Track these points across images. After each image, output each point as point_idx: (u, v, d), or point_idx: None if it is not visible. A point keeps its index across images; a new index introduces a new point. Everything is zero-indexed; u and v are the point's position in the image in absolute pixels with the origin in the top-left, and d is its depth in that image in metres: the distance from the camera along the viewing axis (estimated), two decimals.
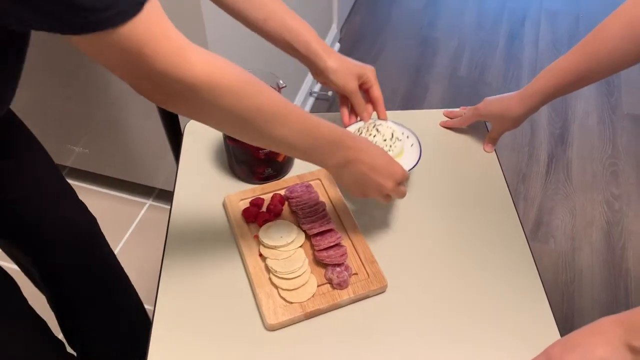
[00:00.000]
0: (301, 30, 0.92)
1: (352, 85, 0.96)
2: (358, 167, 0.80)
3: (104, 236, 1.13)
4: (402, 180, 0.85)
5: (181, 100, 0.63)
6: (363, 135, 0.98)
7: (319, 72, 0.95)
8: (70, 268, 1.07)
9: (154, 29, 0.56)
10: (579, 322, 1.64)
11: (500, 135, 1.06)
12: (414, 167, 0.95)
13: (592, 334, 0.66)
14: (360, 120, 1.03)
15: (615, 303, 1.69)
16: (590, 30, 0.89)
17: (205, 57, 0.62)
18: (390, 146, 0.96)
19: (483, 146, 1.07)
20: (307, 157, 0.78)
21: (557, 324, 0.83)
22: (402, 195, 0.87)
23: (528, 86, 0.97)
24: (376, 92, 1.01)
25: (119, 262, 1.18)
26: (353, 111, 1.03)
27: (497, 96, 1.03)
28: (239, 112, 0.66)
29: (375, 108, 1.03)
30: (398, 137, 0.98)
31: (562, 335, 0.79)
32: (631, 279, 1.75)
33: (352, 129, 1.01)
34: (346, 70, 0.95)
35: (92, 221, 1.10)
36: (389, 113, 1.14)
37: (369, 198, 0.85)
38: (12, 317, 0.93)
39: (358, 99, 0.99)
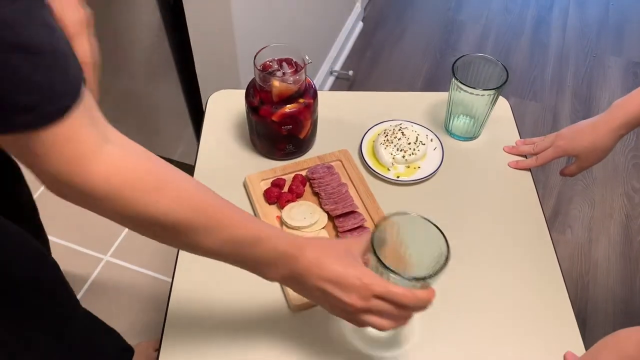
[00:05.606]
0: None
1: None
2: (310, 282, 0.63)
3: None
4: (378, 293, 0.60)
5: (89, 206, 0.54)
6: (388, 137, 0.99)
7: None
8: None
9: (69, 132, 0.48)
10: (592, 313, 1.63)
11: (584, 170, 0.96)
12: (436, 170, 0.97)
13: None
14: (385, 122, 1.03)
15: (630, 296, 1.68)
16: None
17: (112, 167, 0.52)
18: (414, 150, 0.98)
19: (562, 170, 0.98)
20: (245, 267, 0.64)
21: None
22: (393, 317, 0.62)
23: (612, 116, 0.88)
24: None
25: None
26: None
27: (574, 128, 0.94)
28: (145, 222, 0.56)
29: None
30: (422, 140, 1.00)
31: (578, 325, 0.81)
32: None
33: (377, 130, 1.02)
34: None
35: None
36: (411, 94, 1.13)
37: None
38: None
39: None
